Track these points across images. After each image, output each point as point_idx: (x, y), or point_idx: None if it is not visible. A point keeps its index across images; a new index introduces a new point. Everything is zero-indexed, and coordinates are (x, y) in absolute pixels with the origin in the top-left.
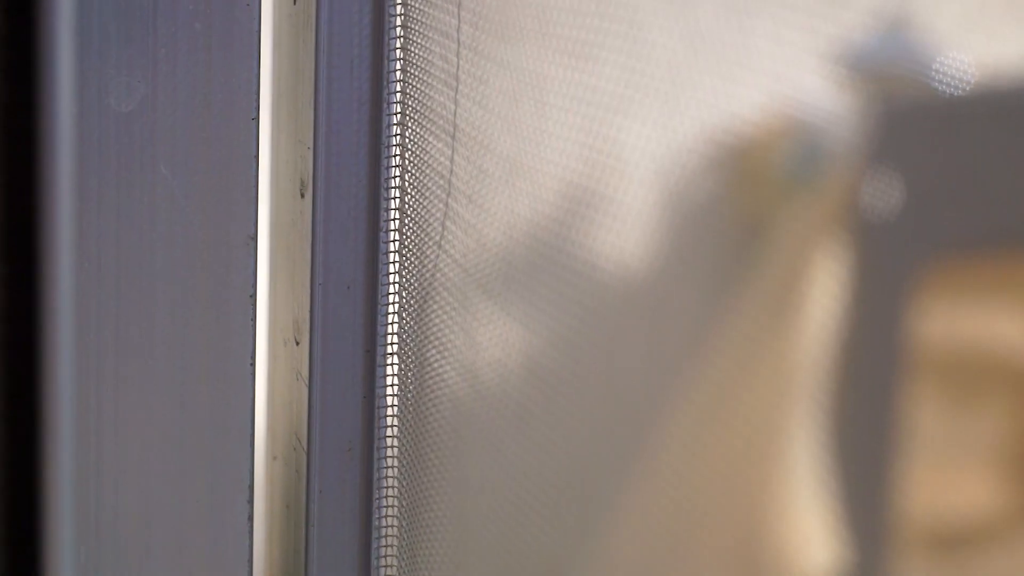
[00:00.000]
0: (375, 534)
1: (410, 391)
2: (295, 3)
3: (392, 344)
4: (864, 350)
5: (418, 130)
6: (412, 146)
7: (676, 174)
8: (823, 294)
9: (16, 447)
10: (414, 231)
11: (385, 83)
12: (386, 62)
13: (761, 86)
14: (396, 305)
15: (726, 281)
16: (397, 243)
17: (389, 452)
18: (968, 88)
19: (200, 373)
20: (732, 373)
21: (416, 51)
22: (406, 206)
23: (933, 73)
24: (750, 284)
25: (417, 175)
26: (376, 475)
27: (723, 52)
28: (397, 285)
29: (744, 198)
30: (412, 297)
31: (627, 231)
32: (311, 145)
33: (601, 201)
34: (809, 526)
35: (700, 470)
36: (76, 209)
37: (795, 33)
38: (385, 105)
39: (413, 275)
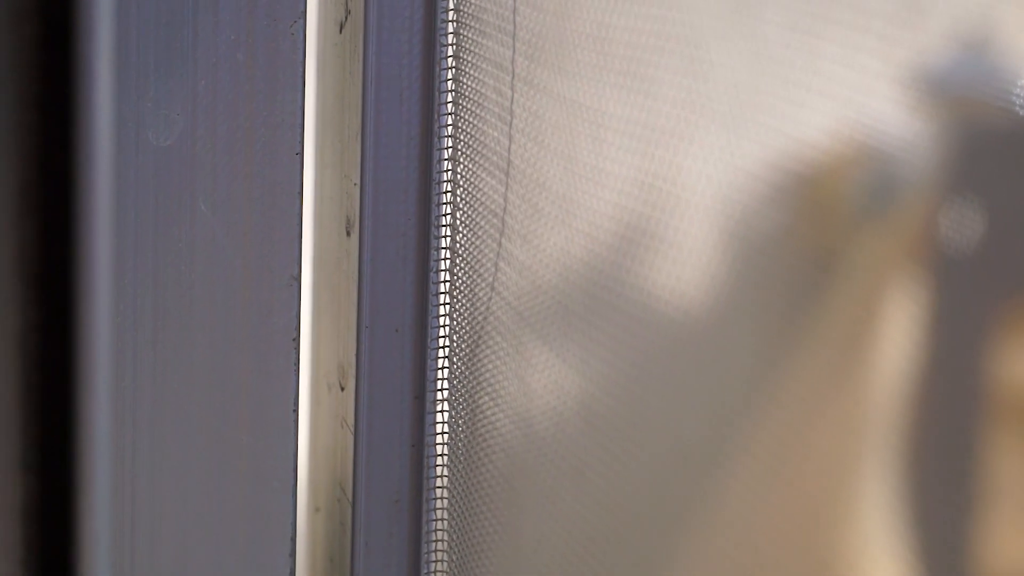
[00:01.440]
0: None
1: (461, 440)
2: (341, 32)
3: (442, 390)
4: (943, 394)
5: (470, 166)
6: (464, 183)
7: (740, 207)
8: (898, 334)
9: (50, 499)
10: (465, 272)
11: (436, 116)
12: (437, 94)
13: (831, 111)
14: (446, 349)
15: (794, 321)
16: (448, 284)
17: (439, 504)
18: None
19: (240, 420)
20: (802, 420)
21: (468, 83)
22: (457, 245)
23: (1014, 97)
24: (820, 324)
25: (469, 213)
26: (425, 528)
27: (790, 76)
28: (447, 328)
29: (813, 231)
30: (463, 341)
31: (688, 270)
32: (358, 181)
33: (660, 240)
34: None
35: (769, 528)
36: (112, 249)
37: (867, 56)
38: (436, 139)
39: (464, 318)
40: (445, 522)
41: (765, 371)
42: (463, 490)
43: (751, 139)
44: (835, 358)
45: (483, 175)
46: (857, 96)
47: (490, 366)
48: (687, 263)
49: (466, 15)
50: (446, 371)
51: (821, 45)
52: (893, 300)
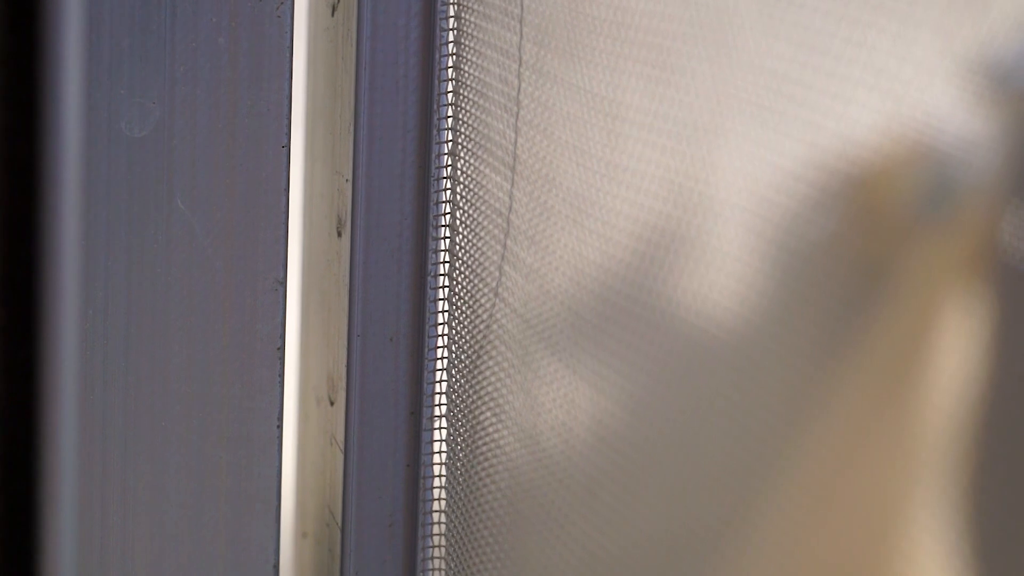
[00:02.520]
0: None
1: (460, 459)
2: (333, 14)
3: (440, 405)
4: (1005, 415)
5: (472, 161)
6: (465, 179)
7: (780, 211)
8: (956, 351)
9: (10, 519)
10: (467, 276)
11: (435, 107)
12: (436, 83)
13: (882, 107)
14: (445, 361)
15: (841, 337)
16: (447, 290)
17: (436, 529)
18: None
19: (220, 437)
20: (846, 443)
21: (471, 71)
22: (457, 248)
23: None
24: (869, 340)
25: (471, 212)
26: (420, 555)
27: (836, 69)
28: (446, 338)
29: (862, 238)
30: (463, 352)
31: (719, 278)
32: (349, 177)
33: (688, 244)
34: None
35: (806, 560)
36: (82, 248)
37: (922, 49)
38: (435, 132)
39: (465, 327)
40: (443, 548)
41: (808, 390)
42: (462, 514)
43: (793, 137)
44: (886, 377)
45: (486, 171)
46: (911, 91)
47: (493, 379)
48: (718, 270)
49: None
50: (444, 384)
51: (871, 36)
52: (950, 314)
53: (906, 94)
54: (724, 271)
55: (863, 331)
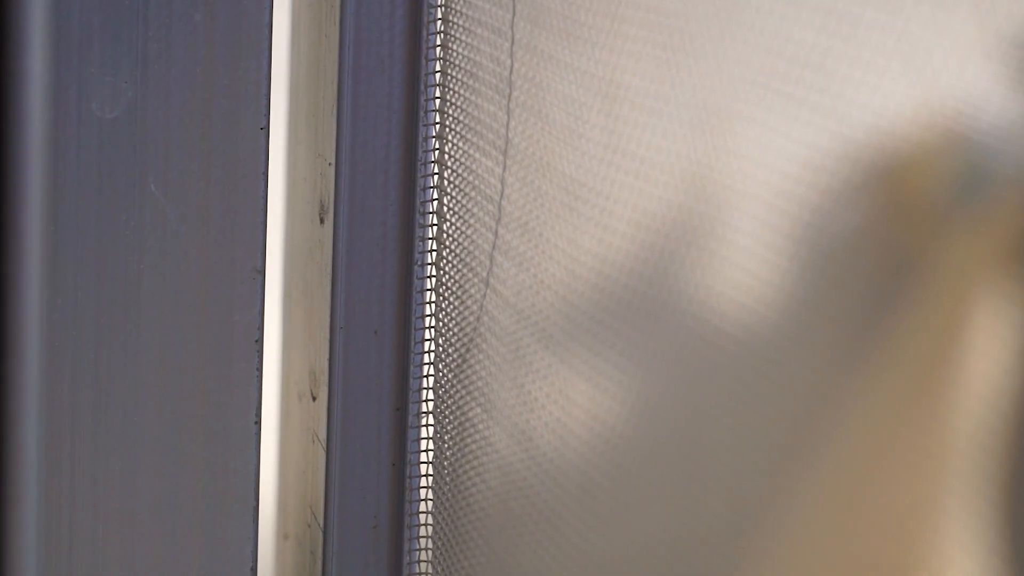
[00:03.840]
0: None
1: (448, 458)
2: None
3: (427, 401)
4: None
5: (461, 144)
6: (454, 163)
7: (798, 202)
8: (990, 350)
9: None
10: (455, 266)
11: (422, 87)
12: (424, 62)
13: (913, 92)
14: (432, 354)
15: (865, 335)
16: (434, 280)
17: (422, 531)
18: None
19: (195, 432)
20: (870, 449)
21: (460, 49)
22: (446, 235)
23: None
24: (896, 339)
25: (459, 198)
26: (406, 558)
27: (866, 43)
28: (434, 330)
29: (890, 231)
30: (452, 345)
31: (726, 271)
32: (332, 160)
33: (690, 233)
34: None
35: (825, 571)
36: (50, 236)
37: (960, 23)
38: (422, 114)
39: (453, 318)
40: (430, 552)
41: (829, 392)
42: (450, 514)
43: (815, 124)
44: (914, 380)
45: (476, 155)
46: (944, 75)
47: (483, 373)
48: (729, 264)
49: None
50: (432, 379)
51: (901, 16)
52: (984, 312)
53: (939, 78)
54: (735, 265)
55: (890, 331)
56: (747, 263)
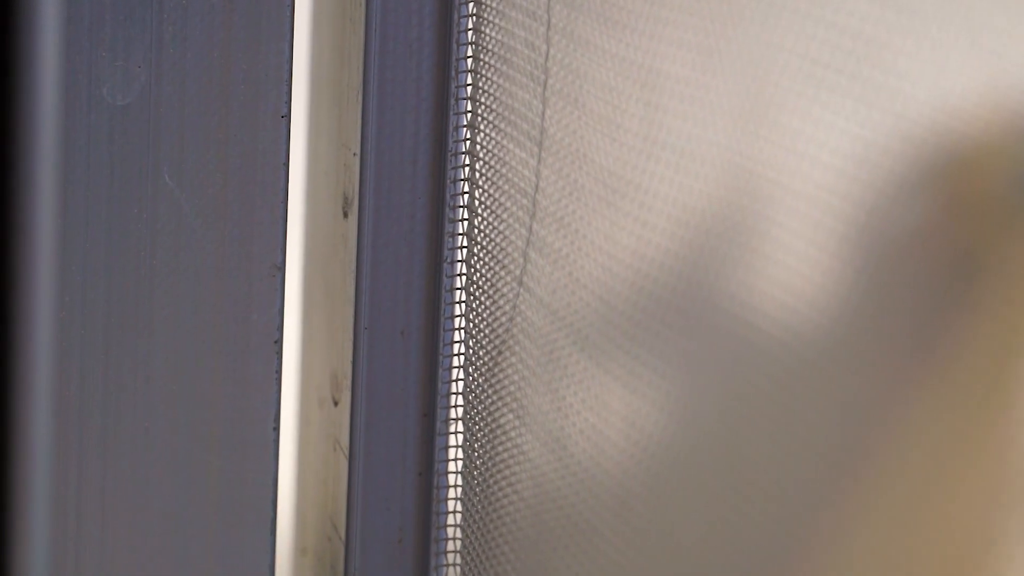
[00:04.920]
0: None
1: (478, 467)
2: None
3: (456, 407)
4: None
5: (494, 134)
6: (486, 154)
7: (852, 195)
8: None
9: None
10: (487, 263)
11: (453, 74)
12: (454, 47)
13: (980, 72)
14: (462, 357)
15: (926, 339)
16: (465, 278)
17: (450, 546)
18: None
19: (210, 440)
20: (930, 456)
21: (493, 34)
22: (477, 231)
23: None
24: (959, 343)
25: (492, 191)
26: (433, 574)
27: (925, 27)
28: (464, 332)
29: (954, 226)
30: (483, 347)
31: (773, 270)
32: (357, 151)
33: (734, 230)
34: None
35: None
36: (58, 229)
37: None
38: (452, 101)
39: (485, 319)
40: (458, 567)
41: (887, 400)
42: (480, 527)
43: (870, 108)
44: (979, 386)
45: (510, 145)
46: (1016, 53)
47: (516, 377)
48: (776, 263)
49: None
50: (461, 383)
51: None
52: None
53: (1010, 57)
54: (782, 265)
55: (953, 335)
56: (795, 263)
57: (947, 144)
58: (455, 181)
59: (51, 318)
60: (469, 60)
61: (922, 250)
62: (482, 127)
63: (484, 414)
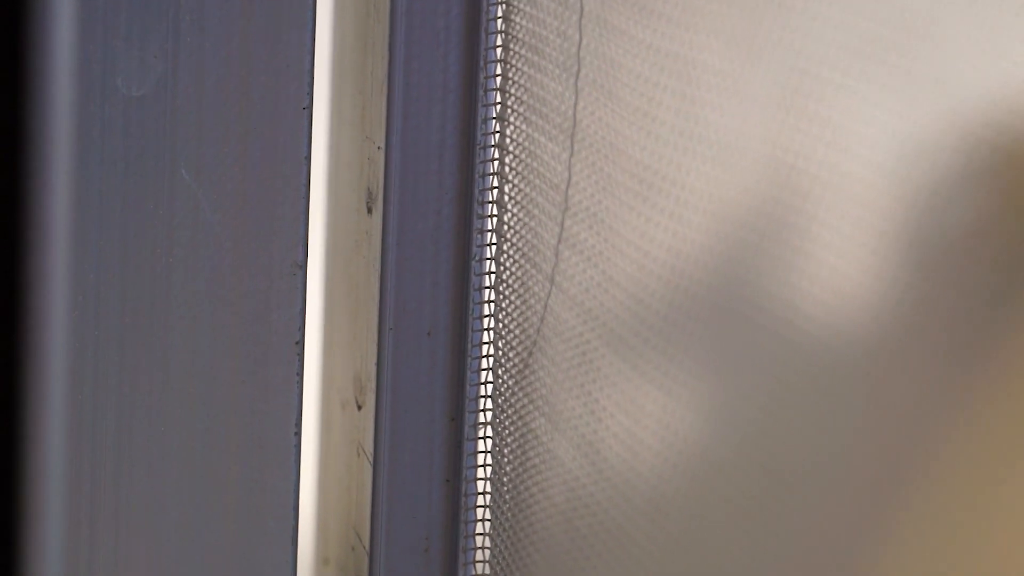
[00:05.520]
0: None
1: (508, 473)
2: None
3: (485, 410)
4: None
5: (524, 126)
6: (516, 148)
7: (905, 190)
8: None
9: None
10: (517, 261)
11: (481, 64)
12: (483, 36)
13: None
14: (491, 359)
15: (982, 342)
16: (494, 276)
17: (479, 555)
18: None
19: (227, 445)
20: (980, 460)
21: (523, 22)
22: (506, 227)
23: None
24: (1016, 340)
25: (522, 186)
26: None
27: (983, 10)
28: (493, 332)
29: (1013, 223)
30: (513, 348)
31: (816, 270)
32: (382, 144)
33: (772, 225)
34: None
35: None
36: (70, 225)
37: None
38: (481, 93)
39: (514, 319)
40: None
41: (936, 401)
42: (510, 536)
43: (923, 98)
44: None
45: (541, 138)
46: None
47: (547, 379)
48: (820, 262)
49: None
50: (490, 386)
51: None
52: None
53: None
54: (826, 264)
55: (1003, 339)
56: (840, 262)
57: (1005, 137)
58: (484, 175)
59: (63, 319)
60: (499, 50)
61: (972, 251)
62: (512, 119)
63: (514, 418)
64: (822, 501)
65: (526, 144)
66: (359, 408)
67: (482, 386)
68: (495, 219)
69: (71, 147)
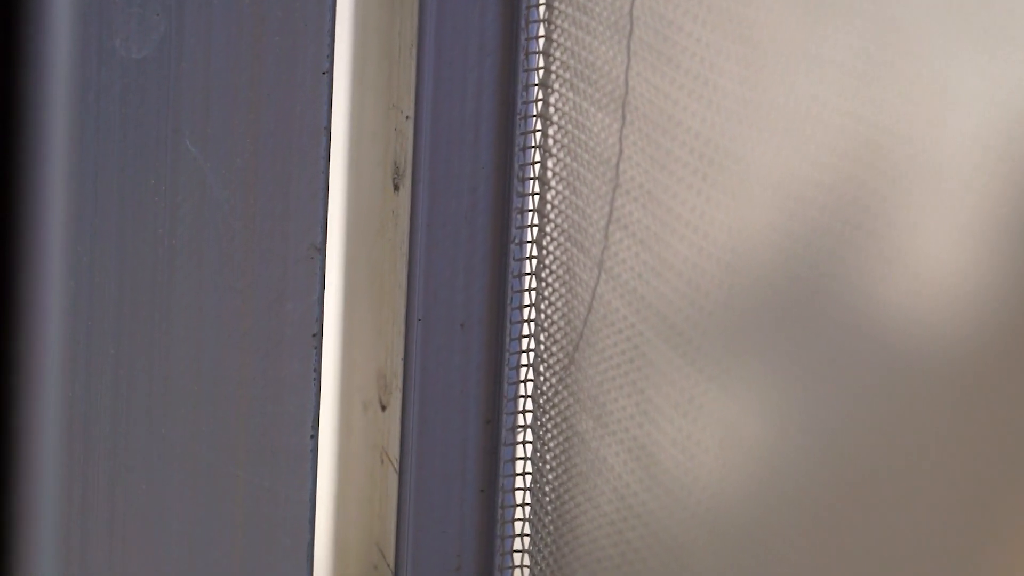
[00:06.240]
0: None
1: (550, 482)
2: None
3: (525, 412)
4: None
5: (570, 93)
6: (561, 117)
7: (1007, 171)
8: None
9: None
10: (561, 244)
11: (523, 24)
12: None
13: None
14: (532, 354)
15: None
16: (535, 261)
17: (517, 573)
18: None
19: (235, 450)
20: None
21: None
22: (550, 206)
23: None
24: None
25: (567, 160)
26: None
27: None
28: (534, 324)
29: None
30: (557, 342)
31: (896, 255)
32: (411, 113)
33: (850, 208)
34: None
35: None
36: (62, 203)
37: None
38: (522, 56)
39: (559, 309)
40: None
41: None
42: (553, 551)
43: None
44: None
45: (588, 106)
46: None
47: (596, 376)
48: (906, 249)
49: None
50: (531, 384)
51: None
52: None
53: None
54: (914, 253)
55: None
56: (931, 251)
57: None
58: (525, 149)
59: (52, 307)
60: (541, 8)
61: None
62: (556, 86)
63: (557, 419)
64: (906, 516)
65: (572, 114)
66: (383, 409)
67: (521, 384)
68: (537, 197)
69: (65, 114)
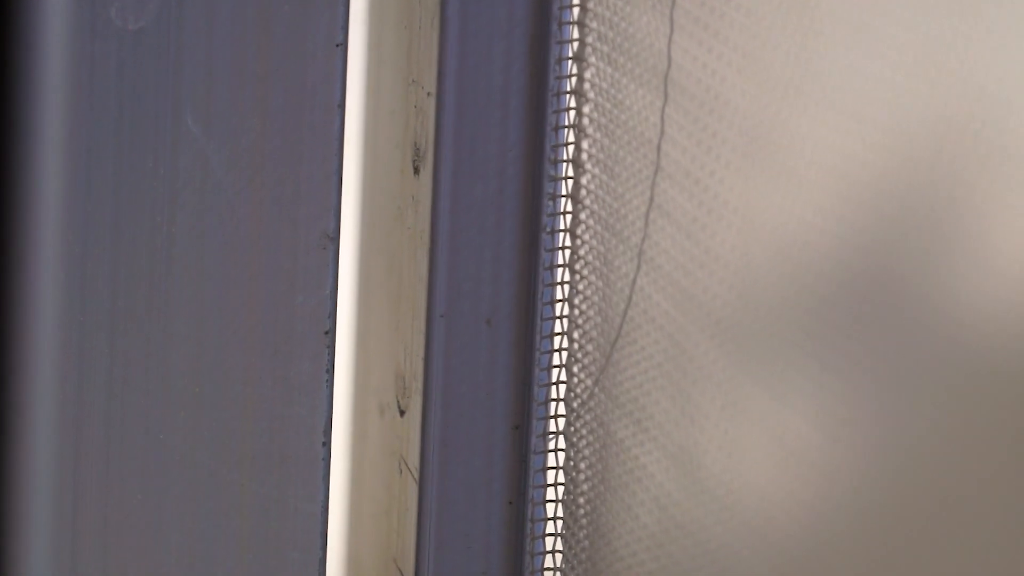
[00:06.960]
0: None
1: (585, 492)
2: None
3: (557, 417)
4: None
5: (607, 68)
6: (597, 94)
7: None
8: None
9: None
10: (597, 232)
11: None
12: None
13: None
14: (564, 353)
15: None
16: (568, 252)
17: None
18: None
19: (241, 457)
20: None
21: None
22: (584, 191)
23: None
24: None
25: (604, 141)
26: None
27: None
28: (567, 320)
29: None
30: (592, 340)
31: (982, 249)
32: (432, 89)
33: (925, 196)
34: None
35: None
36: (53, 186)
37: None
38: (555, 27)
39: (594, 304)
40: None
41: None
42: (587, 569)
43: None
44: None
45: (627, 83)
46: None
47: (636, 376)
48: (994, 244)
49: None
50: (563, 386)
51: None
52: None
53: None
54: (1005, 248)
55: None
56: (1013, 244)
57: None
58: (557, 128)
59: (42, 301)
60: None
61: None
62: (592, 60)
63: (593, 424)
64: (990, 537)
65: (610, 90)
66: (401, 413)
67: (553, 387)
68: (571, 182)
69: (57, 89)
